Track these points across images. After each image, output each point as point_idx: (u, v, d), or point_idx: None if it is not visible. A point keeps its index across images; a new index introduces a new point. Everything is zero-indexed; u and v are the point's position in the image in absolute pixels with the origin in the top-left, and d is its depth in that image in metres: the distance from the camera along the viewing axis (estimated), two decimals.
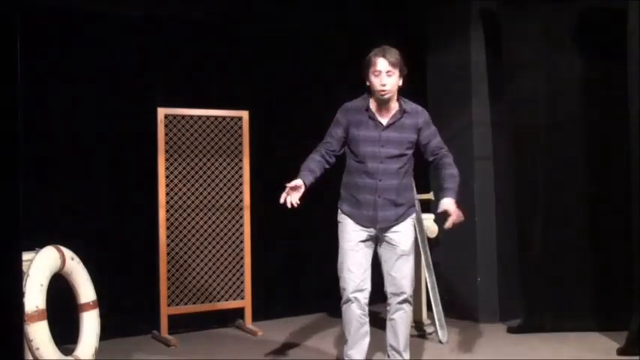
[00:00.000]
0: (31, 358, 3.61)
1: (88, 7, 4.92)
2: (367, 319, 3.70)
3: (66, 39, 4.83)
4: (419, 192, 5.11)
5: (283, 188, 3.49)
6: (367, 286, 3.65)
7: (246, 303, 5.21)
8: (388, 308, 3.72)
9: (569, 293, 4.88)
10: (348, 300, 3.65)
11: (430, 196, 5.17)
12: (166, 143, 4.93)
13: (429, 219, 5.10)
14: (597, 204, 4.87)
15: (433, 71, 5.81)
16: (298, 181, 3.48)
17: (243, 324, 5.22)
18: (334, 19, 5.93)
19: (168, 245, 4.92)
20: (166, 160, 4.93)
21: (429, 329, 4.95)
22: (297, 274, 5.76)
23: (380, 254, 3.71)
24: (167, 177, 4.94)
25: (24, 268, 3.53)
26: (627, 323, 4.28)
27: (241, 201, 5.20)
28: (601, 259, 4.84)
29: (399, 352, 3.71)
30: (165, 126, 4.93)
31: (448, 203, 3.63)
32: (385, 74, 3.52)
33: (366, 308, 3.67)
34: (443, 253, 5.53)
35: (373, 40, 5.75)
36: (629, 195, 4.35)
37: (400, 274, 3.64)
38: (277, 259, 5.71)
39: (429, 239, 5.03)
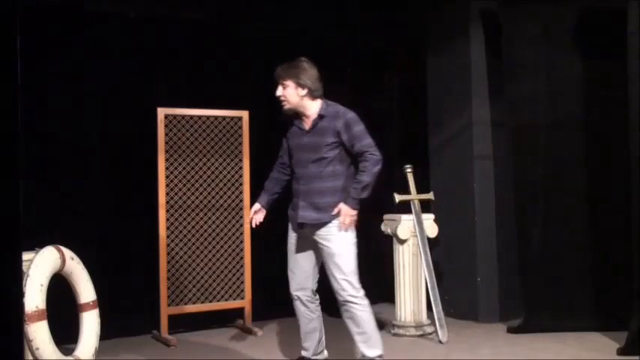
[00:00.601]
0: (31, 358, 3.61)
1: (88, 6, 4.92)
2: (315, 315, 3.92)
3: (66, 39, 4.83)
4: (419, 192, 5.11)
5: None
6: (309, 285, 3.86)
7: (246, 303, 5.21)
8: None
9: (569, 293, 4.88)
10: (293, 299, 3.90)
11: (430, 196, 5.17)
12: (166, 143, 4.93)
13: (429, 219, 5.10)
14: (597, 204, 4.87)
15: (433, 71, 5.81)
16: (257, 206, 3.98)
17: (243, 324, 5.22)
18: (334, 19, 5.93)
19: (168, 245, 4.92)
20: (166, 160, 4.93)
21: (429, 329, 4.95)
22: None
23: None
24: (167, 177, 4.94)
25: (24, 268, 3.53)
26: (627, 323, 4.28)
27: (241, 201, 5.20)
28: (601, 259, 4.84)
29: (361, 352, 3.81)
30: (166, 126, 4.93)
31: (340, 206, 3.70)
32: (281, 87, 3.78)
33: (312, 305, 3.90)
34: (443, 253, 5.53)
35: (373, 40, 5.77)
36: (629, 195, 4.35)
37: (333, 277, 3.74)
38: (277, 259, 5.70)
39: (429, 239, 5.03)
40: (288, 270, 3.90)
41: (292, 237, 3.86)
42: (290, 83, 3.74)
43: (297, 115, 3.79)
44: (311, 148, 3.72)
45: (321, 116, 3.73)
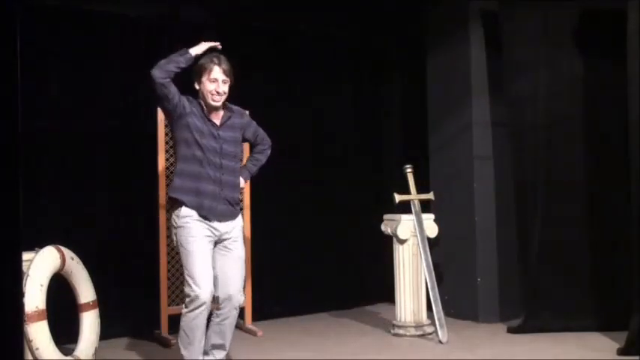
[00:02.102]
0: (31, 358, 3.61)
1: (88, 6, 4.92)
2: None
3: (66, 39, 4.83)
4: (419, 192, 5.11)
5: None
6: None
7: (246, 303, 5.21)
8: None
9: (569, 293, 4.88)
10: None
11: (430, 196, 5.17)
12: (166, 143, 4.92)
13: (429, 219, 5.10)
14: (597, 204, 4.87)
15: (433, 71, 5.81)
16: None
17: (243, 324, 5.22)
18: (334, 19, 5.93)
19: (168, 245, 4.92)
20: (166, 160, 4.93)
21: (429, 329, 4.95)
22: (298, 274, 5.75)
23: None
24: (167, 177, 4.94)
25: (24, 268, 3.53)
26: (627, 323, 4.28)
27: (241, 201, 5.19)
28: (601, 259, 4.84)
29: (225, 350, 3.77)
30: (166, 126, 4.92)
31: (243, 183, 3.84)
32: (221, 82, 3.66)
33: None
34: (443, 253, 5.53)
35: (373, 40, 5.76)
36: (629, 195, 4.35)
37: (237, 280, 3.71)
38: (277, 259, 5.71)
39: (429, 239, 5.03)
40: (195, 269, 3.50)
41: (200, 228, 3.56)
42: (229, 81, 3.71)
43: (207, 109, 3.66)
44: (229, 141, 3.67)
45: (230, 112, 3.74)
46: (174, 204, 3.64)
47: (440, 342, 4.71)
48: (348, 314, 5.79)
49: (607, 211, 4.83)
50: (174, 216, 3.62)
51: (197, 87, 3.70)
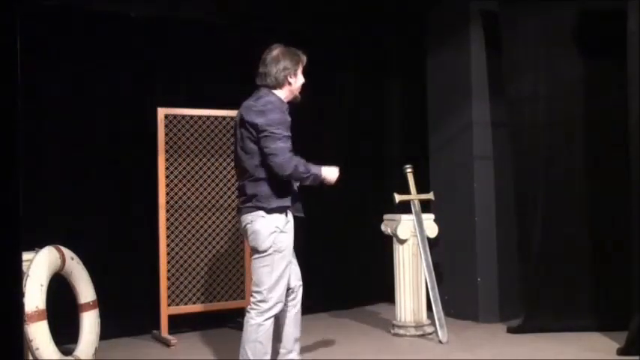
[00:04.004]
0: (31, 358, 3.61)
1: (88, 6, 4.92)
2: None
3: (66, 38, 4.83)
4: (419, 192, 5.11)
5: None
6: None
7: (246, 303, 5.20)
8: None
9: (569, 293, 4.88)
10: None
11: (430, 196, 5.17)
12: (166, 143, 4.93)
13: (429, 219, 5.10)
14: (597, 204, 4.87)
15: (433, 71, 5.81)
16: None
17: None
18: (334, 19, 5.93)
19: (168, 245, 4.92)
20: (166, 160, 4.93)
21: (429, 329, 4.95)
22: None
23: None
24: (167, 177, 4.95)
25: (24, 268, 3.53)
26: (627, 323, 4.28)
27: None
28: (601, 259, 4.84)
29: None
30: (166, 126, 4.93)
31: None
32: (302, 74, 3.67)
33: None
34: (443, 253, 5.53)
35: (373, 40, 5.78)
36: (629, 195, 4.35)
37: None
38: None
39: (429, 239, 5.03)
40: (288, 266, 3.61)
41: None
42: None
43: (296, 101, 3.70)
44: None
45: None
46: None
47: (440, 342, 4.71)
48: (348, 314, 5.79)
49: (607, 212, 4.83)
50: None
51: (289, 80, 3.60)
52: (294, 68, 3.59)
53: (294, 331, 3.76)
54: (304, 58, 3.65)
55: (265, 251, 3.47)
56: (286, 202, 3.51)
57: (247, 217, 3.50)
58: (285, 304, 3.65)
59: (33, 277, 3.65)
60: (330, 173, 3.62)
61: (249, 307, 3.55)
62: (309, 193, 6.02)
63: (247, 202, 3.50)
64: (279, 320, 3.66)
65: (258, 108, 3.48)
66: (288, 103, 3.63)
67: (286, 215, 3.53)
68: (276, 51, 3.61)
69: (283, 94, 3.60)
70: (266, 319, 3.48)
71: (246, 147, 3.49)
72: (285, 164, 3.40)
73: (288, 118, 3.52)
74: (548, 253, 4.93)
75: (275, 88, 3.58)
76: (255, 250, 3.53)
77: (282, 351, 3.73)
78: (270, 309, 3.49)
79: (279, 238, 3.48)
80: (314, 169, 3.54)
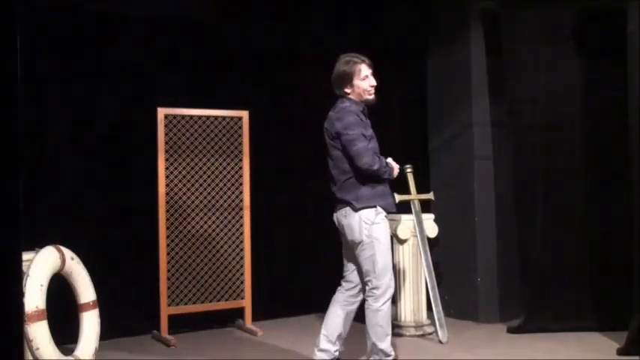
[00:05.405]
0: (31, 358, 3.61)
1: (88, 6, 4.92)
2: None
3: (66, 39, 4.83)
4: (419, 192, 5.11)
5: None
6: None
7: (246, 303, 5.21)
8: None
9: (569, 293, 4.88)
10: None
11: (430, 196, 5.17)
12: (166, 143, 4.92)
13: (429, 219, 5.10)
14: (597, 204, 4.87)
15: (433, 71, 5.81)
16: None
17: (243, 324, 5.22)
18: (334, 19, 5.93)
19: (168, 245, 4.92)
20: (166, 160, 4.93)
21: (429, 329, 4.95)
22: (297, 273, 5.76)
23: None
24: (167, 177, 4.94)
25: (24, 268, 3.53)
26: (627, 323, 4.28)
27: (241, 201, 5.20)
28: (601, 259, 4.84)
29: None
30: (165, 126, 4.93)
31: None
32: (371, 76, 3.84)
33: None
34: (443, 253, 5.53)
35: (373, 40, 5.77)
36: (629, 195, 4.35)
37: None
38: (277, 259, 5.71)
39: (429, 239, 5.03)
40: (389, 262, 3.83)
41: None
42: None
43: (369, 104, 3.89)
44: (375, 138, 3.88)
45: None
46: None
47: (440, 342, 4.72)
48: None
49: (607, 211, 4.83)
50: None
51: (347, 91, 3.83)
52: (351, 71, 3.80)
53: (340, 327, 3.90)
54: (364, 60, 3.84)
55: (362, 241, 3.73)
56: (374, 201, 3.77)
57: (341, 213, 3.83)
58: (348, 296, 3.93)
59: (33, 277, 3.65)
60: (396, 166, 3.95)
61: (365, 295, 3.82)
62: (309, 191, 6.02)
63: (340, 203, 3.83)
64: (332, 307, 3.94)
65: (336, 116, 3.79)
66: (366, 105, 3.88)
67: (376, 209, 3.76)
68: (338, 61, 3.88)
69: (354, 98, 3.85)
70: (382, 304, 3.73)
71: (332, 154, 3.81)
72: (369, 160, 3.69)
73: (364, 119, 3.81)
74: (548, 253, 4.93)
75: (344, 95, 3.85)
76: (354, 244, 3.79)
77: (323, 336, 3.89)
78: (383, 294, 3.73)
79: (373, 227, 3.73)
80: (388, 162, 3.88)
